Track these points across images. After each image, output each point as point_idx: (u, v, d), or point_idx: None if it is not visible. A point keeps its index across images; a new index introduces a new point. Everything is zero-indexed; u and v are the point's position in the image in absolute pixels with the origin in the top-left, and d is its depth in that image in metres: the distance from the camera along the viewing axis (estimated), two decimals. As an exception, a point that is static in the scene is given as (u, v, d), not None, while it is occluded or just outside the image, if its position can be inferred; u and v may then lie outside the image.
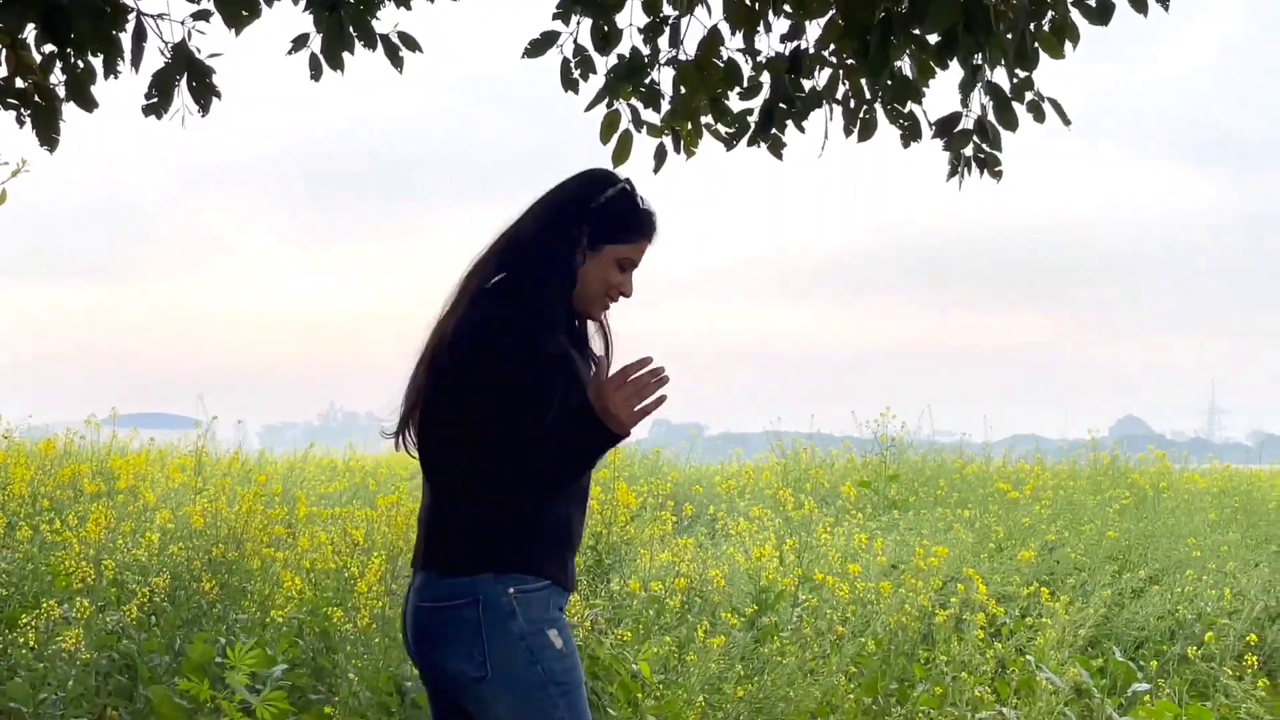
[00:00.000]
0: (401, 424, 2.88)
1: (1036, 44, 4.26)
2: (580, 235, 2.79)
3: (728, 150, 5.06)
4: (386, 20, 4.73)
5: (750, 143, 4.98)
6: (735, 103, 5.04)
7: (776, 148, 4.95)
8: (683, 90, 4.94)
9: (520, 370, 2.66)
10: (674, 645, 5.78)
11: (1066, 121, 4.59)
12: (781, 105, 4.85)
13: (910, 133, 4.76)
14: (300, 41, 4.70)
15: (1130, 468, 11.61)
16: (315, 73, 4.69)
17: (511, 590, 2.69)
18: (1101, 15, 4.27)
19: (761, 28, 4.83)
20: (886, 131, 4.87)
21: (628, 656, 5.53)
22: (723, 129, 5.01)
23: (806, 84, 4.91)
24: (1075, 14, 4.33)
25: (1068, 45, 4.36)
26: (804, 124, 4.85)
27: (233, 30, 4.34)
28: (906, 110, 4.75)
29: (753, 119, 4.93)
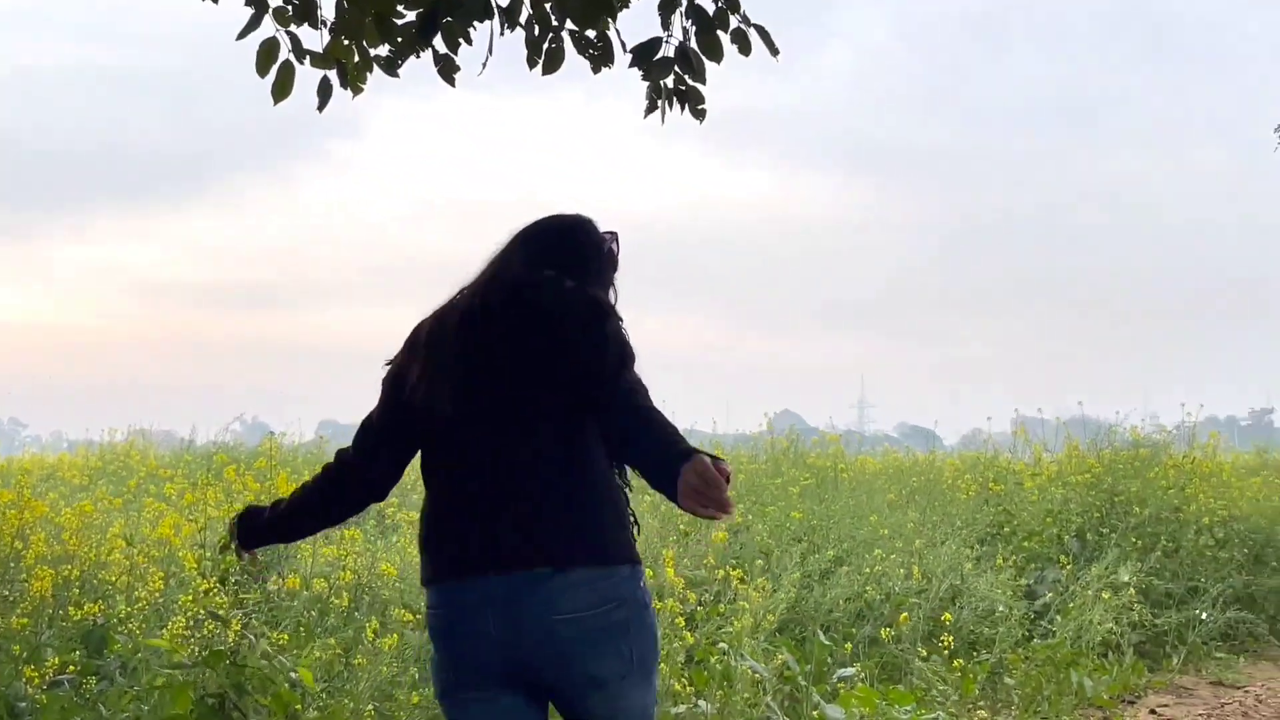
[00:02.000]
0: (434, 391, 2.78)
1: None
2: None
3: (391, 72, 4.44)
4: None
5: (411, 53, 4.35)
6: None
7: (448, 71, 4.33)
8: (346, 4, 4.29)
9: (627, 361, 2.72)
10: (340, 648, 5.13)
11: (774, 51, 4.18)
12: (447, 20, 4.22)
13: (600, 58, 4.23)
14: None
15: (806, 450, 11.53)
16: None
17: (642, 582, 2.72)
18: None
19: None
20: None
21: (286, 663, 4.84)
22: (387, 50, 4.38)
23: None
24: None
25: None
26: (470, 32, 4.21)
27: None
28: (597, 35, 4.23)
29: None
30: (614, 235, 2.98)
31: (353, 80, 4.62)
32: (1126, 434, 11.22)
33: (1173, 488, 10.17)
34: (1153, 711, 7.65)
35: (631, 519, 2.79)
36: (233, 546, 3.08)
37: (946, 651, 6.95)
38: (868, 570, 7.60)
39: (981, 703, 7.15)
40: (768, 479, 10.16)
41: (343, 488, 2.99)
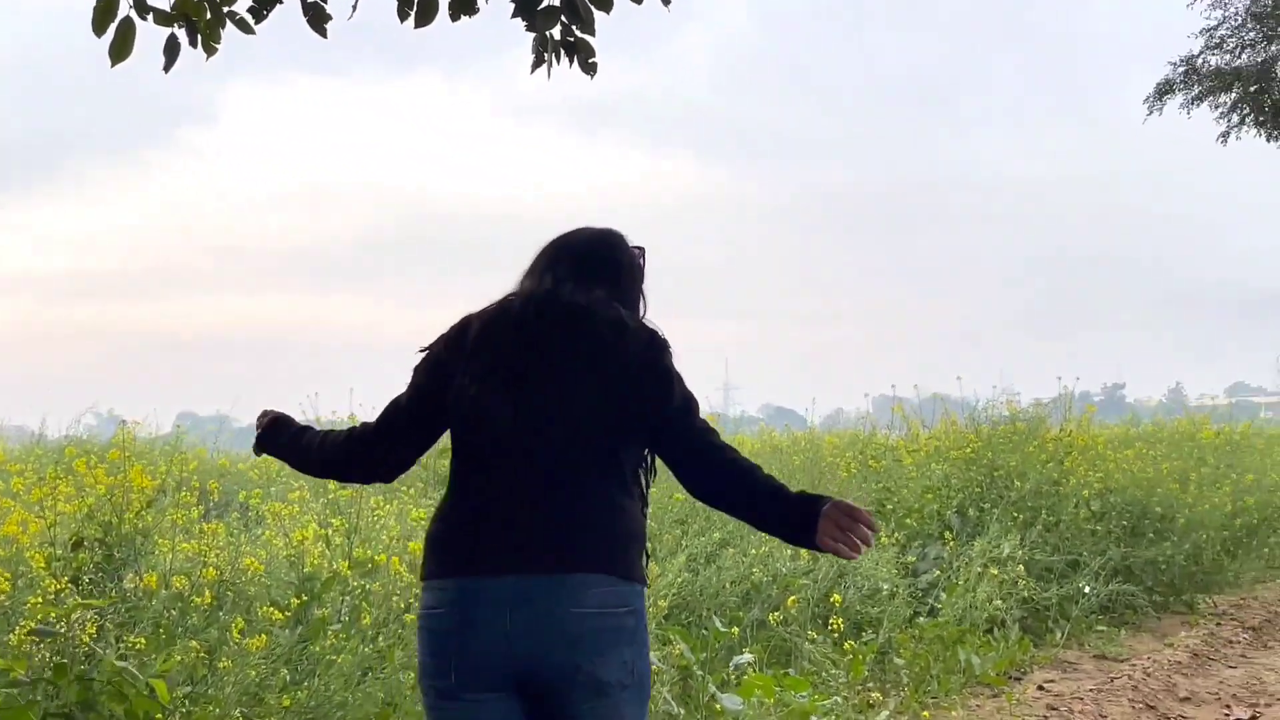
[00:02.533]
0: (487, 396, 2.80)
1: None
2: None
3: (249, 30, 4.10)
4: None
5: (275, 2, 4.01)
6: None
7: (318, 20, 4.01)
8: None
9: (691, 399, 2.86)
10: (203, 651, 4.76)
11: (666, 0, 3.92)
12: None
13: (465, 5, 3.92)
14: None
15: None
16: None
17: (646, 598, 2.79)
18: None
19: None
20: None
21: (143, 668, 4.47)
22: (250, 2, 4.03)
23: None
24: None
25: None
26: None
27: None
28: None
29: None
30: (641, 250, 3.06)
31: (205, 39, 4.26)
32: (1003, 409, 11.18)
33: (1051, 461, 10.15)
34: (1040, 687, 7.58)
35: (647, 549, 2.86)
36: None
37: (837, 634, 6.78)
38: (754, 551, 7.40)
39: (870, 684, 7.01)
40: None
41: (360, 463, 3.04)
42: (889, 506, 9.62)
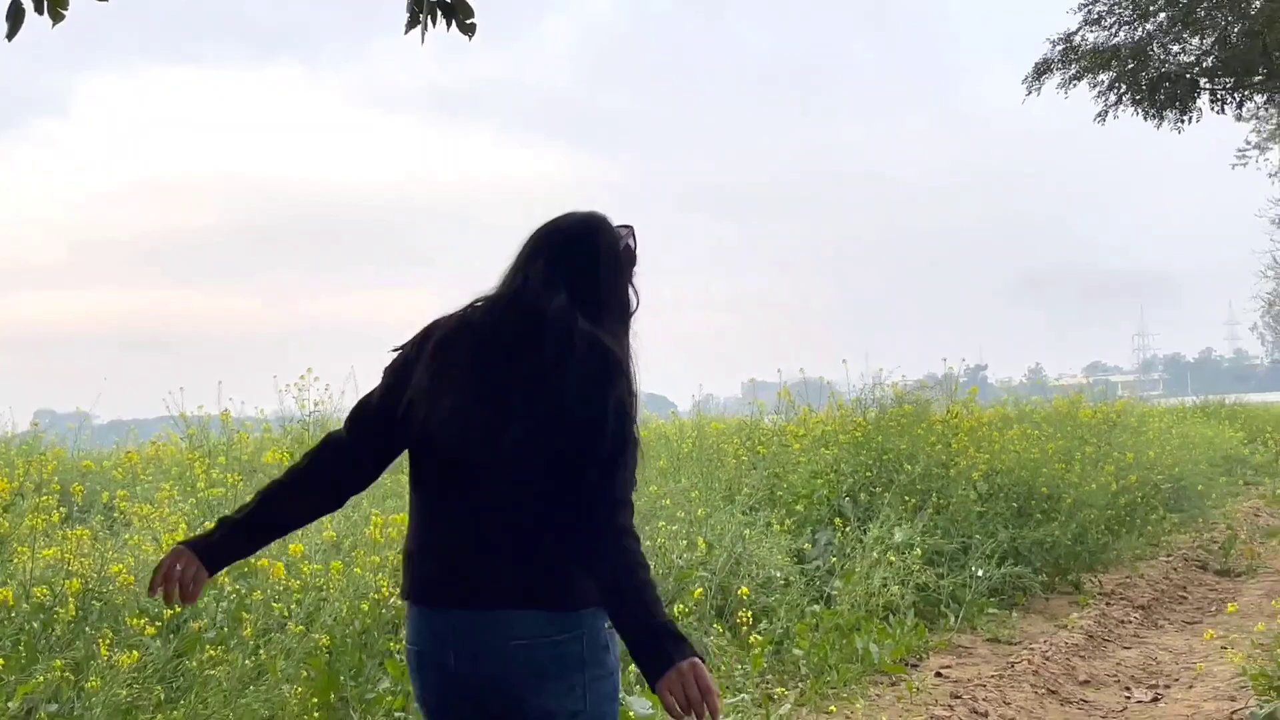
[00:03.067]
0: (432, 410, 2.67)
1: None
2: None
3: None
4: None
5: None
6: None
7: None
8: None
9: (630, 417, 2.63)
10: (67, 669, 4.40)
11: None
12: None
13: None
14: None
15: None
16: None
17: (607, 624, 2.59)
18: None
19: None
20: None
21: (1, 689, 4.10)
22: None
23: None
24: None
25: None
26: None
27: None
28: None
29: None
30: (630, 230, 2.86)
31: (52, 4, 3.91)
32: (888, 391, 11.10)
33: (939, 443, 10.08)
34: (938, 674, 7.48)
35: None
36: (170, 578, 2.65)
37: (745, 627, 6.60)
38: (649, 543, 7.17)
39: (769, 676, 6.84)
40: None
41: (330, 468, 2.78)
42: (778, 493, 9.46)
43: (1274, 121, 30.00)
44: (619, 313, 2.80)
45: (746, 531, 7.87)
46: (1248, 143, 32.78)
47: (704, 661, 2.48)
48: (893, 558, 8.04)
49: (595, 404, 2.59)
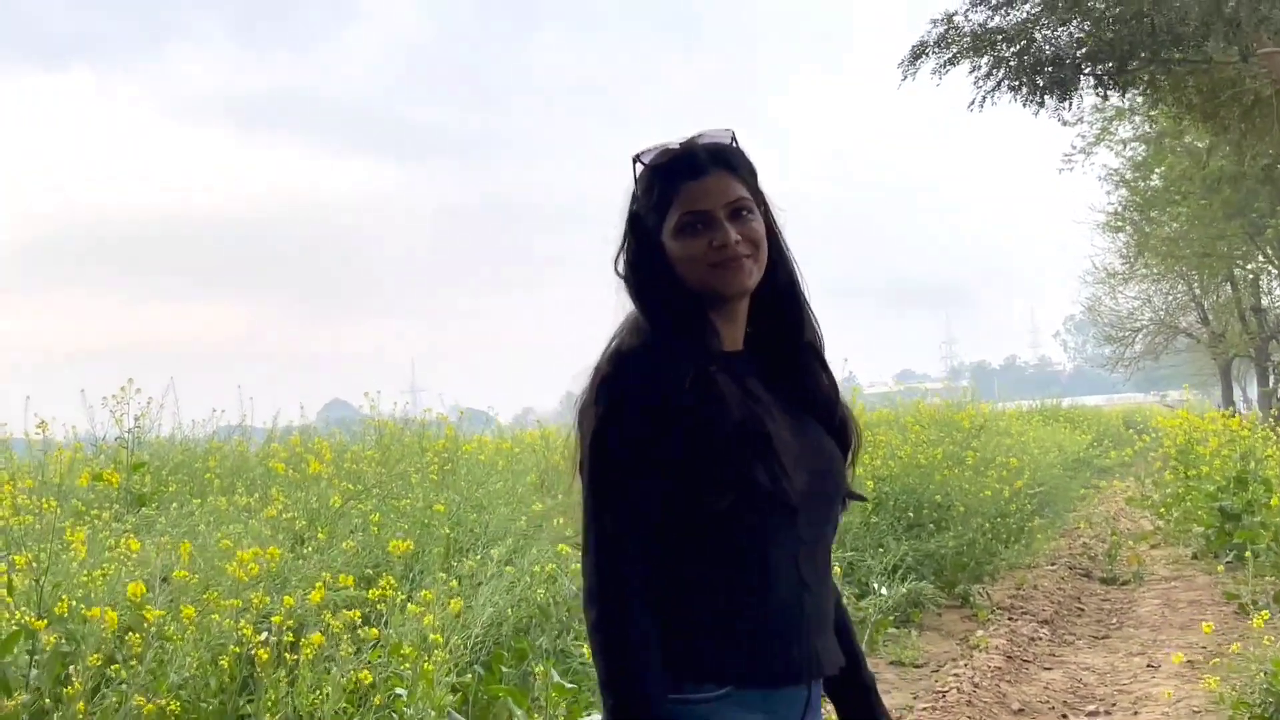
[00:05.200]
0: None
1: None
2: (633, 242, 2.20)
3: None
4: None
5: None
6: None
7: None
8: None
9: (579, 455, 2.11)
10: None
11: None
12: None
13: None
14: None
15: (425, 433, 9.95)
16: None
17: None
18: None
19: None
20: None
21: None
22: None
23: None
24: None
25: None
26: None
27: None
28: None
29: None
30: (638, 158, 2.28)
31: None
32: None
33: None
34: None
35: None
36: None
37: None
38: (536, 569, 6.26)
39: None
40: (374, 466, 8.56)
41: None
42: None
43: (1099, 126, 30.42)
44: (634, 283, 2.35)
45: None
46: (1074, 147, 33.22)
47: None
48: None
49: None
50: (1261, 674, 5.62)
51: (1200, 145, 24.79)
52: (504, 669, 5.63)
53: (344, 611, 4.53)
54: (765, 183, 2.22)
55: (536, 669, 5.04)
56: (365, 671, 4.32)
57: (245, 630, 4.34)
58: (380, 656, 4.75)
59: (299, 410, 11.82)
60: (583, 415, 2.05)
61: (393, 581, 5.11)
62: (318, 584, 4.76)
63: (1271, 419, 13.24)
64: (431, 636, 4.62)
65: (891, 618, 8.46)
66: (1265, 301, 37.44)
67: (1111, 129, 30.48)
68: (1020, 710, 6.62)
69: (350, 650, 4.37)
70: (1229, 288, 37.49)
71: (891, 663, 7.90)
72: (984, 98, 11.38)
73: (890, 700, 6.92)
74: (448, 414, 11.18)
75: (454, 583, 5.80)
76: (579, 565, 4.91)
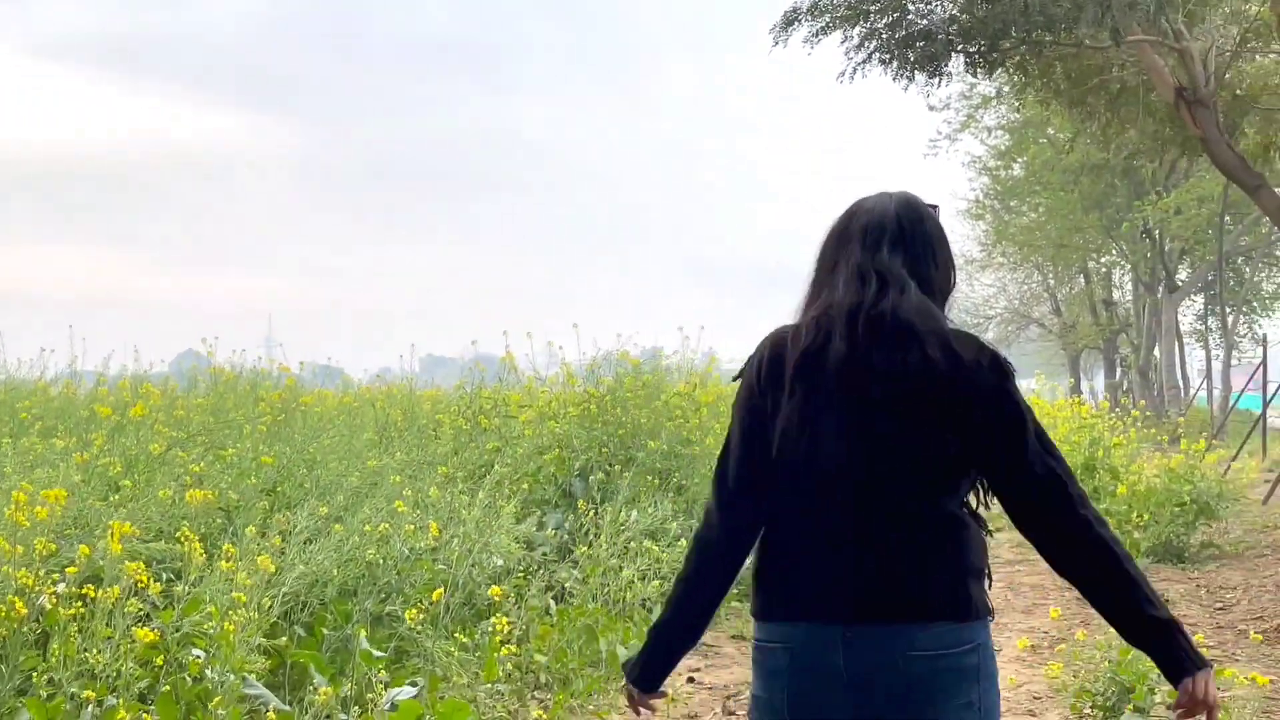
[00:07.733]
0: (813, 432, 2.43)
1: None
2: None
3: None
4: None
5: None
6: None
7: None
8: None
9: (1030, 423, 2.50)
10: None
11: None
12: None
13: None
14: None
15: (260, 383, 9.53)
16: None
17: (990, 632, 2.52)
18: None
19: None
20: None
21: None
22: None
23: None
24: None
25: None
26: None
27: None
28: None
29: None
30: (936, 208, 2.72)
31: None
32: (614, 360, 10.06)
33: (679, 418, 9.15)
34: (690, 679, 6.59)
35: (988, 572, 2.53)
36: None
37: (502, 636, 5.48)
38: (369, 528, 5.94)
39: (503, 687, 5.75)
40: (206, 415, 8.15)
41: (736, 539, 2.54)
42: (504, 470, 8.33)
43: (965, 113, 30.68)
44: (948, 295, 2.68)
45: (475, 514, 6.72)
46: (939, 133, 33.54)
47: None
48: (653, 545, 7.04)
49: (1006, 402, 2.46)
50: (1106, 662, 5.54)
51: (1063, 136, 25.15)
52: (326, 631, 5.33)
53: (128, 564, 4.17)
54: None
55: (362, 650, 4.74)
56: (144, 629, 3.96)
57: (25, 579, 3.96)
58: (190, 615, 4.43)
59: (144, 357, 11.32)
60: (1009, 377, 2.46)
61: (190, 534, 4.76)
62: (116, 534, 4.39)
63: (1120, 409, 13.39)
64: (235, 595, 4.29)
65: (735, 591, 8.33)
66: (1116, 295, 38.37)
67: (977, 116, 30.87)
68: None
69: (138, 606, 4.02)
70: (1082, 280, 38.34)
71: (732, 636, 7.78)
72: (855, 69, 11.27)
73: (727, 675, 6.78)
74: (299, 370, 10.76)
75: (277, 539, 5.47)
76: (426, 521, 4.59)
